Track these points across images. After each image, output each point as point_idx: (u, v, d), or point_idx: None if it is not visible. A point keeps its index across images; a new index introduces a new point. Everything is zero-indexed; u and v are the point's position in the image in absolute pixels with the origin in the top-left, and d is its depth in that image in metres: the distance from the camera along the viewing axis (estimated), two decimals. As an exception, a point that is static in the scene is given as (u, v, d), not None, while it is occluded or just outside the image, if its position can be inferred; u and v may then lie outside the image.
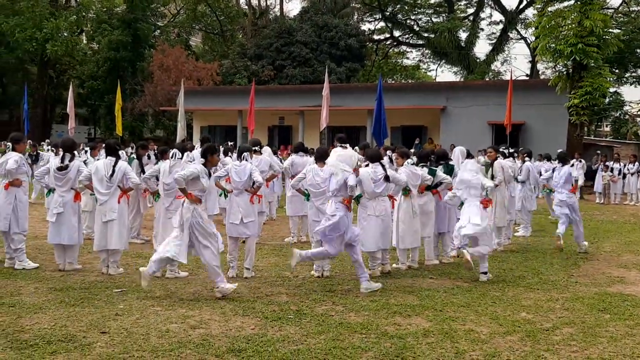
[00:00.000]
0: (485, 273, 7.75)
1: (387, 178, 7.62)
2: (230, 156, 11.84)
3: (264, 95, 30.03)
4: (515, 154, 11.79)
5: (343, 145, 11.43)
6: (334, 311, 6.18)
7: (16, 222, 8.00)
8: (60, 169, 8.02)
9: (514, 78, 27.30)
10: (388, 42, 50.86)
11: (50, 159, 11.33)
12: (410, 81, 51.04)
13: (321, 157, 7.94)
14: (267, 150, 13.06)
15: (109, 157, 7.93)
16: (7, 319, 5.72)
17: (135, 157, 10.75)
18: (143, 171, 9.85)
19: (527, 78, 41.90)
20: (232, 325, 5.66)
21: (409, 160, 8.55)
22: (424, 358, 4.87)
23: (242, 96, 28.48)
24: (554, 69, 26.85)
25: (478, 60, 44.60)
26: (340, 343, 5.17)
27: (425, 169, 8.64)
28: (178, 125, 20.91)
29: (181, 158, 8.40)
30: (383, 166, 7.70)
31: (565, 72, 23.37)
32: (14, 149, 8.43)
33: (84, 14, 40.61)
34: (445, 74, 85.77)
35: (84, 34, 44.55)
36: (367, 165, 7.77)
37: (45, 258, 8.62)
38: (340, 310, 6.21)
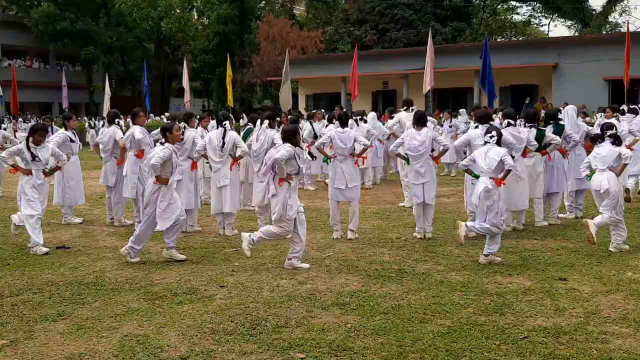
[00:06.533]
0: None
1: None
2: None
3: (367, 60, 30.06)
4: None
5: (408, 109, 11.45)
6: (434, 270, 6.39)
7: (143, 190, 8.80)
8: None
9: (633, 30, 25.41)
10: (496, -2, 48.78)
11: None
12: (520, 38, 48.75)
13: (418, 120, 8.03)
14: (372, 115, 13.33)
15: (219, 128, 8.51)
16: (140, 274, 6.46)
17: (252, 127, 11.28)
18: None
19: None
20: (337, 282, 6.04)
21: (517, 122, 8.42)
22: (523, 314, 4.98)
23: (346, 63, 28.63)
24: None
25: (594, 13, 41.73)
26: (439, 299, 5.39)
27: (534, 130, 8.47)
28: (280, 95, 21.57)
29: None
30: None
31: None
32: (134, 123, 9.23)
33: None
34: (559, 28, 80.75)
35: (194, 9, 46.44)
36: (476, 127, 7.78)
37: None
38: (441, 270, 6.41)
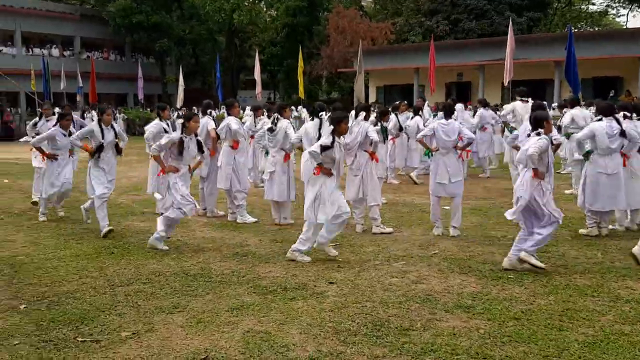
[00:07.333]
0: None
1: (622, 133, 7.14)
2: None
3: (440, 51, 29.24)
4: None
5: (524, 99, 10.94)
6: (555, 272, 5.98)
7: (237, 181, 8.74)
8: (270, 130, 8.58)
9: None
10: (573, -13, 46.84)
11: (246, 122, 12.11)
12: (596, 29, 46.65)
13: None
14: (459, 107, 12.92)
15: (315, 119, 8.31)
16: (245, 267, 6.34)
17: None
18: None
19: None
20: (453, 282, 5.73)
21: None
22: (672, 325, 4.55)
23: (418, 53, 28.14)
24: None
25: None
26: (572, 305, 5.00)
27: None
28: (355, 87, 21.21)
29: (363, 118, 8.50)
30: (618, 120, 7.21)
31: None
32: (229, 114, 9.17)
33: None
34: (637, 19, 76.67)
35: (263, 2, 46.72)
36: (599, 120, 7.32)
37: (260, 213, 9.34)
38: (563, 272, 5.99)
